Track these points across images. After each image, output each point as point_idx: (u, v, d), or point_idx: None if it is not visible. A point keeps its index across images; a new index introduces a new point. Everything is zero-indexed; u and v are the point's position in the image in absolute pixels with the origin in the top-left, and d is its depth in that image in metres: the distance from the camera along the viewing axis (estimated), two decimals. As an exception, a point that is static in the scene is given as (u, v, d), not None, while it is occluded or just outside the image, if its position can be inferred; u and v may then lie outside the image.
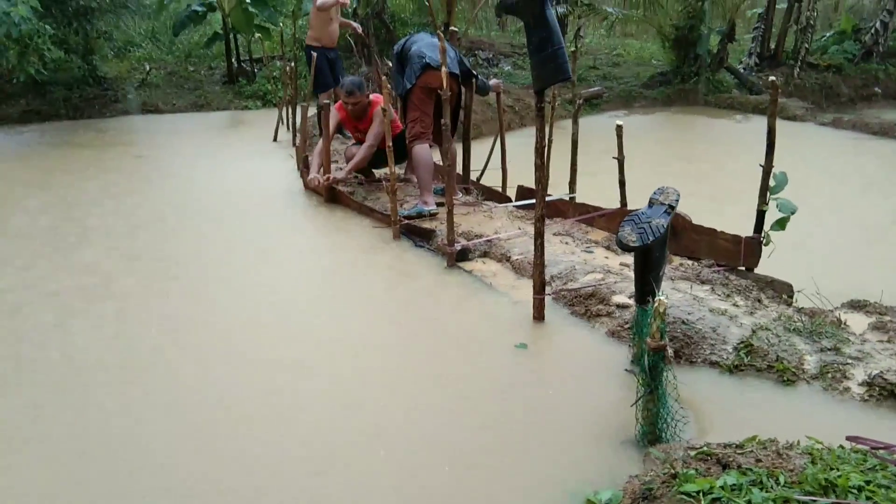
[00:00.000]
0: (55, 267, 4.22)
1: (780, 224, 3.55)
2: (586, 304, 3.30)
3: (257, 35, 11.70)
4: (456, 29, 6.46)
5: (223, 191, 6.20)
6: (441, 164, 5.18)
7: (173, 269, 4.22)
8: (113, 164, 7.41)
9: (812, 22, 14.14)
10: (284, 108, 8.93)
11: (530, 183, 5.06)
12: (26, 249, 4.54)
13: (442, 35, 4.29)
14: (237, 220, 5.26)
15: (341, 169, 5.67)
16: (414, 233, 4.64)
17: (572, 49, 12.92)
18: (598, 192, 5.11)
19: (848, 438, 1.86)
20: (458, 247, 4.13)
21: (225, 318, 3.48)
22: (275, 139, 8.61)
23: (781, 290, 3.57)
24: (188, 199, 5.92)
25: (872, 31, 14.81)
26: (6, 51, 8.54)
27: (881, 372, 2.50)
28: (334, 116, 5.59)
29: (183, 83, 12.67)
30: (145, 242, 4.77)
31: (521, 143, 6.86)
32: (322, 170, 5.53)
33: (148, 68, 12.93)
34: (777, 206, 3.53)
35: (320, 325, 3.40)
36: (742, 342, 2.76)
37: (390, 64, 5.76)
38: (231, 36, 12.66)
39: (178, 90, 12.24)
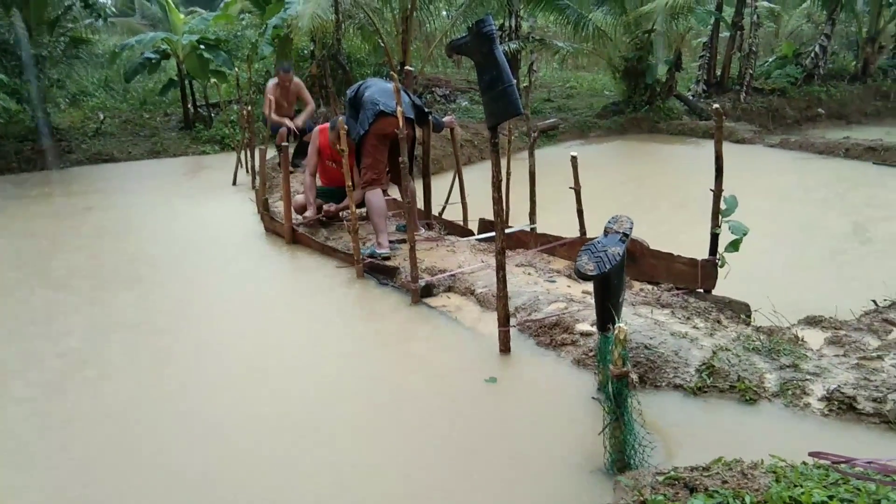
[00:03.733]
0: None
1: (734, 245, 3.64)
2: (551, 334, 3.33)
3: (213, 80, 11.69)
4: (412, 68, 6.57)
5: (182, 237, 6.12)
6: (401, 201, 5.21)
7: (127, 325, 4.11)
8: (63, 217, 7.24)
9: (754, 48, 14.73)
10: (242, 152, 8.90)
11: (491, 215, 5.12)
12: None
13: (396, 77, 4.35)
14: (198, 268, 5.19)
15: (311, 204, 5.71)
16: (377, 271, 4.64)
17: (525, 84, 13.25)
18: (558, 221, 5.18)
19: (810, 454, 1.89)
20: (422, 283, 4.13)
21: (187, 372, 3.40)
22: (234, 183, 8.56)
23: (739, 310, 3.65)
24: (143, 249, 5.81)
25: (812, 54, 15.50)
26: (-45, 103, 8.38)
27: (839, 386, 2.56)
28: (315, 141, 5.65)
29: (138, 131, 12.57)
30: (98, 297, 4.66)
31: (481, 177, 6.93)
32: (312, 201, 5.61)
33: (102, 117, 12.81)
34: (729, 229, 3.63)
35: (286, 369, 3.35)
36: (704, 364, 2.80)
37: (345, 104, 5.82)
38: (186, 82, 12.65)
39: (133, 138, 12.13)
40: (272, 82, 8.11)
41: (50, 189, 8.99)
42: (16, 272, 5.22)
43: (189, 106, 12.77)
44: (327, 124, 5.72)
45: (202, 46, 11.94)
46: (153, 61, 12.46)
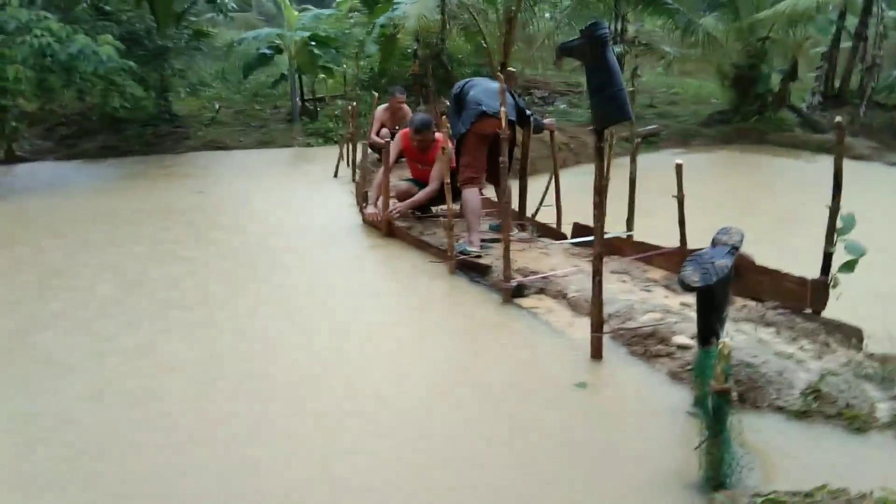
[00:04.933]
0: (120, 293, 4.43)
1: (849, 266, 3.44)
2: (645, 344, 3.26)
3: (321, 75, 12.13)
4: (514, 69, 6.59)
5: (284, 226, 6.40)
6: (498, 201, 5.25)
7: (228, 307, 4.30)
8: (176, 199, 7.69)
9: (878, 60, 13.81)
10: (345, 146, 9.20)
11: (585, 220, 5.07)
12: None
13: (501, 78, 4.38)
14: (297, 256, 5.41)
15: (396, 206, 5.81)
16: (470, 268, 4.69)
17: (630, 89, 12.97)
18: (654, 230, 5.06)
19: (925, 491, 1.79)
20: (514, 283, 4.15)
21: (289, 356, 3.53)
22: (335, 175, 8.86)
23: (850, 335, 3.45)
24: (249, 235, 6.11)
25: (943, 70, 14.35)
26: (92, 87, 9.09)
27: (960, 423, 2.39)
28: (397, 145, 5.78)
29: (249, 121, 13.21)
30: (211, 271, 4.95)
31: (575, 181, 6.87)
32: (381, 203, 5.68)
33: (217, 107, 13.55)
34: (845, 248, 3.44)
35: (370, 361, 3.41)
36: (809, 387, 2.68)
37: (447, 103, 5.92)
38: (296, 76, 13.18)
39: (244, 128, 12.77)
40: (382, 108, 8.13)
41: (167, 171, 9.62)
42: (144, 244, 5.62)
43: (297, 99, 13.31)
44: (407, 129, 5.82)
45: (313, 43, 12.42)
46: (267, 56, 13.08)
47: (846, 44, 14.54)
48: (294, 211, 7.04)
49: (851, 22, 14.51)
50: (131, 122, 11.54)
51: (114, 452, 2.58)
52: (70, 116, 12.01)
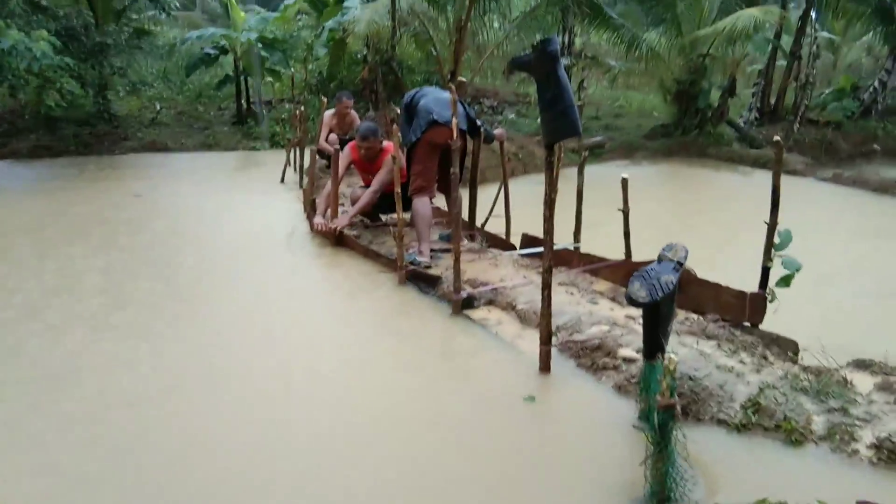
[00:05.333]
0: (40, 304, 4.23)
1: (785, 281, 3.57)
2: (592, 357, 3.30)
3: (268, 78, 11.94)
4: (464, 79, 6.61)
5: (227, 233, 6.23)
6: (448, 211, 5.24)
7: (168, 316, 4.18)
8: (111, 203, 7.38)
9: (811, 79, 14.44)
10: (292, 151, 9.05)
11: (534, 230, 5.11)
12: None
13: (453, 88, 4.39)
14: (240, 265, 5.28)
15: (346, 212, 5.73)
16: (420, 278, 4.66)
17: (578, 102, 13.22)
18: (601, 242, 5.15)
19: (858, 503, 1.85)
20: (463, 294, 4.14)
21: (226, 366, 3.46)
22: (282, 181, 8.70)
23: (787, 347, 3.57)
24: (189, 242, 5.93)
25: (871, 89, 15.12)
26: (25, 84, 8.70)
27: (889, 435, 2.49)
28: (346, 157, 5.71)
29: (192, 123, 12.88)
30: (140, 279, 4.78)
31: (525, 190, 6.94)
32: (329, 213, 5.59)
33: (159, 107, 13.16)
34: (782, 263, 3.56)
35: (317, 375, 3.36)
36: (749, 400, 2.75)
37: (398, 110, 5.90)
38: (242, 78, 12.92)
39: (187, 129, 12.44)
40: (329, 113, 8.06)
41: (103, 173, 9.27)
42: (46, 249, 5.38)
43: (243, 102, 13.05)
44: (353, 143, 5.76)
45: (260, 45, 12.20)
46: (212, 56, 12.79)
47: (782, 62, 15.18)
48: (238, 217, 6.87)
49: (787, 41, 15.17)
50: (67, 121, 11.10)
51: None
52: (1, 114, 11.47)
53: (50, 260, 5.21)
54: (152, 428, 2.79)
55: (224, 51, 12.86)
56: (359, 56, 13.68)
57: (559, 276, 4.60)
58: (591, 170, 7.30)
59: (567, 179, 5.47)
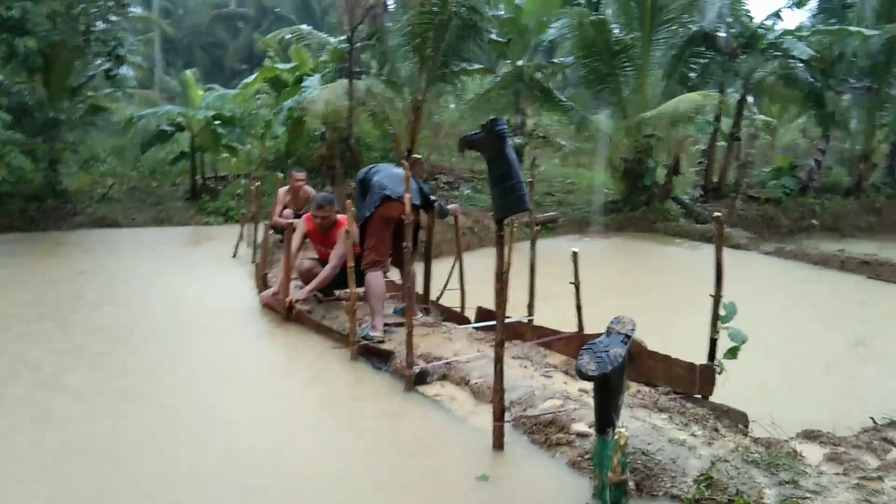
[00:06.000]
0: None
1: (732, 353, 3.63)
2: (546, 433, 3.26)
3: (224, 154, 12.00)
4: (419, 156, 6.76)
5: (176, 308, 6.09)
6: (402, 284, 5.23)
7: (110, 392, 4.02)
8: (53, 280, 7.15)
9: (751, 159, 15.24)
10: (246, 225, 9.00)
11: (489, 303, 5.12)
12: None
13: (406, 165, 4.47)
14: (189, 341, 5.14)
15: (301, 288, 5.67)
16: (372, 354, 4.59)
17: (529, 179, 13.61)
18: (555, 314, 5.18)
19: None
20: (416, 369, 4.09)
21: (163, 451, 3.30)
22: (234, 255, 8.60)
23: (737, 419, 3.60)
24: (135, 319, 5.75)
25: (808, 168, 15.99)
26: (-29, 159, 8.55)
27: (839, 506, 2.49)
28: (301, 228, 5.70)
29: (145, 198, 12.76)
30: (72, 366, 4.59)
31: (480, 263, 6.97)
32: (282, 285, 5.53)
33: (111, 183, 13.03)
34: (729, 335, 3.63)
35: (268, 454, 3.25)
36: (702, 474, 2.73)
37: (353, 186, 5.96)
38: (197, 154, 12.95)
39: (139, 205, 12.30)
40: (283, 190, 8.06)
41: (48, 250, 9.01)
42: None
43: (197, 177, 13.02)
44: (308, 214, 5.80)
45: (217, 122, 12.32)
46: (167, 133, 12.83)
47: (723, 143, 16.00)
48: (188, 292, 6.73)
49: (727, 123, 16.04)
50: (14, 197, 10.86)
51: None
52: (-57, 188, 11.17)
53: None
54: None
55: (180, 128, 12.93)
56: (316, 134, 13.92)
57: (513, 349, 4.60)
58: (544, 243, 7.47)
59: (520, 253, 5.54)
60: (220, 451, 3.26)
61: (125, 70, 12.77)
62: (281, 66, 15.12)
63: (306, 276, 5.71)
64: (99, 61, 11.50)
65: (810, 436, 3.41)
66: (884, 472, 2.85)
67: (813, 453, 3.12)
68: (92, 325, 5.46)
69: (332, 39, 14.53)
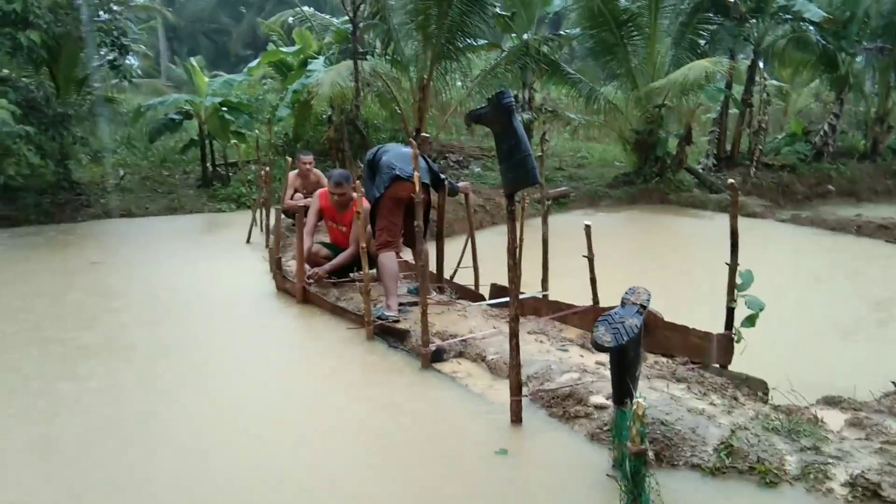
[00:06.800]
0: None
1: (750, 321, 3.60)
2: (564, 406, 3.26)
3: (233, 141, 11.98)
4: (428, 135, 6.71)
5: (192, 294, 6.12)
6: (415, 264, 5.23)
7: (128, 377, 4.07)
8: (67, 271, 7.18)
9: (764, 125, 15.00)
10: (258, 211, 9.02)
11: (503, 280, 5.11)
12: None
13: (414, 143, 4.43)
14: (207, 326, 5.18)
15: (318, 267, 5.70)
16: (388, 333, 4.60)
17: (539, 154, 13.51)
18: (569, 289, 5.16)
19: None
20: (432, 347, 4.09)
21: (190, 428, 3.34)
22: (248, 241, 8.63)
23: (756, 388, 3.57)
24: (153, 306, 5.79)
25: (821, 132, 15.74)
26: (-16, 155, 8.59)
27: (862, 471, 2.48)
28: (315, 204, 5.72)
29: (157, 187, 12.80)
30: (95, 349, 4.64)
31: (493, 241, 6.97)
32: (296, 269, 5.56)
33: (122, 173, 13.07)
34: (746, 303, 3.59)
35: (288, 433, 3.28)
36: (722, 443, 2.72)
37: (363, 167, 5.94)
38: (207, 142, 12.95)
39: (151, 194, 12.34)
40: (293, 173, 8.16)
41: (63, 241, 9.08)
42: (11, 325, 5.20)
43: (208, 165, 13.04)
44: (326, 189, 5.80)
45: (224, 108, 12.29)
46: (176, 121, 12.82)
47: (735, 110, 15.77)
48: (204, 279, 6.76)
49: (738, 90, 15.78)
50: (27, 191, 10.92)
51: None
52: (-43, 185, 11.25)
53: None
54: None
55: (188, 116, 12.91)
56: (324, 116, 13.86)
57: (528, 324, 4.59)
58: (556, 219, 7.41)
59: (533, 229, 5.50)
60: (240, 430, 3.29)
61: (130, 59, 12.74)
62: (285, 49, 15.04)
63: (312, 259, 5.73)
64: (103, 52, 11.47)
65: (831, 401, 3.38)
66: (907, 435, 2.82)
67: (834, 419, 3.09)
68: (107, 314, 5.50)
69: (335, 20, 14.42)
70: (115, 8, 11.37)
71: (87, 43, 10.84)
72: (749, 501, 2.45)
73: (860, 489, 2.42)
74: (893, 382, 3.75)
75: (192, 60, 14.40)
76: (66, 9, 9.92)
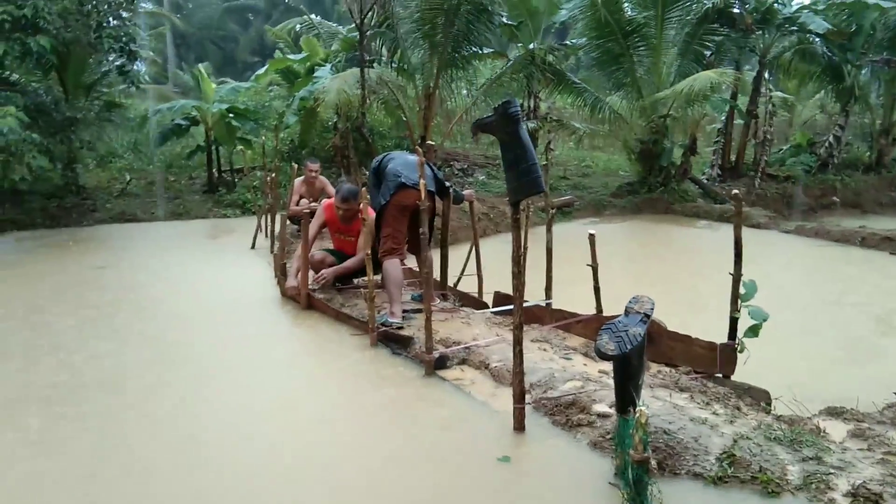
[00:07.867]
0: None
1: (753, 331, 3.61)
2: (567, 414, 3.26)
3: (239, 147, 12.06)
4: (433, 143, 6.75)
5: (197, 300, 6.15)
6: (418, 271, 5.25)
7: (133, 382, 4.10)
8: (73, 274, 7.22)
9: (769, 136, 15.01)
10: (263, 217, 9.07)
11: (507, 288, 5.13)
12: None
13: (420, 151, 4.47)
14: (211, 331, 5.19)
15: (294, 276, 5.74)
16: (392, 340, 4.62)
17: (544, 163, 13.55)
18: (573, 297, 5.18)
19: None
20: (436, 354, 4.10)
21: (194, 434, 3.36)
22: (253, 247, 8.67)
23: (759, 398, 3.58)
24: (157, 311, 5.82)
25: (826, 144, 15.75)
26: (-8, 159, 8.65)
27: (864, 482, 2.48)
28: (319, 216, 5.75)
29: (163, 192, 12.87)
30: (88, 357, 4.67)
31: (496, 249, 7.00)
32: (301, 275, 5.57)
33: (128, 178, 13.15)
34: (749, 314, 3.60)
35: (294, 439, 3.30)
36: (724, 452, 2.73)
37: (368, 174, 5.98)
38: (213, 148, 13.04)
39: (157, 199, 12.41)
40: (299, 180, 8.30)
41: (69, 245, 9.13)
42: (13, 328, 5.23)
43: (213, 170, 13.12)
44: (332, 200, 5.84)
45: (231, 115, 12.38)
46: (182, 127, 12.92)
47: (740, 121, 15.79)
48: (208, 284, 6.80)
49: (743, 101, 15.81)
50: (34, 195, 11.00)
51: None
52: (-35, 188, 11.33)
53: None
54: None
55: (195, 122, 13.01)
56: (330, 124, 13.95)
57: (532, 332, 4.60)
58: (561, 228, 7.42)
59: (537, 237, 5.53)
60: (243, 436, 3.30)
61: (138, 65, 12.85)
62: (292, 56, 15.15)
63: (317, 267, 5.77)
64: (112, 57, 11.57)
65: (833, 412, 3.38)
66: (909, 446, 2.82)
67: (836, 430, 3.10)
68: (112, 318, 5.53)
69: (342, 29, 14.55)
70: (124, 14, 11.47)
71: (96, 49, 10.93)
72: (751, 511, 2.46)
73: (862, 499, 2.42)
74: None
75: (200, 67, 14.54)
76: (75, 15, 10.02)
